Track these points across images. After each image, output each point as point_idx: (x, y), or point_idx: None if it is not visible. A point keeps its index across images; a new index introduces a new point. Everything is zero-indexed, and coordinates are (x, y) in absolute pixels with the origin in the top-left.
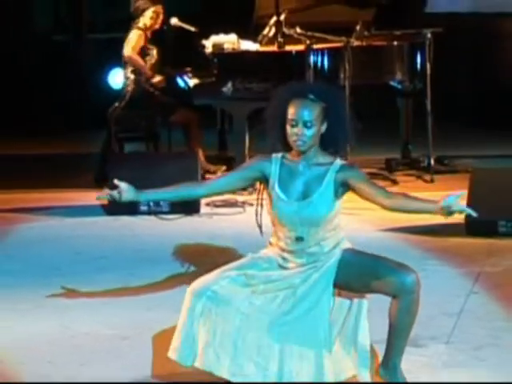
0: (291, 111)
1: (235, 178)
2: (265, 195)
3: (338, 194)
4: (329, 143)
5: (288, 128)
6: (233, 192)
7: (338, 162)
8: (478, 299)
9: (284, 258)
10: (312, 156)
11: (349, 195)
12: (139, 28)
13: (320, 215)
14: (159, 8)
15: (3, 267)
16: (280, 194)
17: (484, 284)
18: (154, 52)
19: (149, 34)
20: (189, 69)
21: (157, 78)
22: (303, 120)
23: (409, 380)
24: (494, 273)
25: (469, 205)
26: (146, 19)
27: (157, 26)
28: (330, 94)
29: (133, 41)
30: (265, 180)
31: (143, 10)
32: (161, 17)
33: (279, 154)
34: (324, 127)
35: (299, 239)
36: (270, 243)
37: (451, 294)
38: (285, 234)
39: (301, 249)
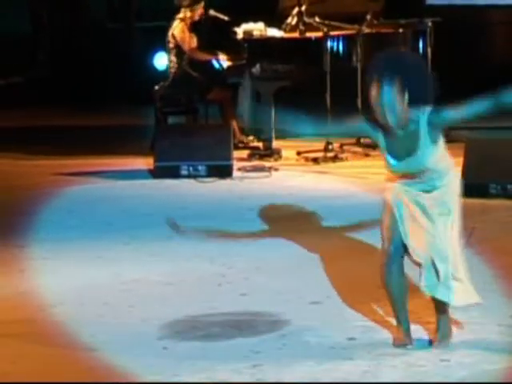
0: (372, 95)
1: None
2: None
3: (435, 139)
4: (415, 101)
5: (375, 109)
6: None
7: (425, 111)
8: (472, 251)
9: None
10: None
11: (351, 162)
12: (181, 19)
13: (427, 164)
14: (201, 3)
15: (66, 223)
16: (390, 161)
17: (477, 238)
18: (195, 40)
19: (189, 22)
20: (223, 56)
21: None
22: (385, 104)
23: (414, 320)
24: (485, 228)
25: (463, 170)
26: (187, 10)
27: (197, 18)
28: (404, 63)
29: (183, 38)
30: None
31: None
32: (200, 11)
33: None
34: (406, 96)
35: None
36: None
37: None
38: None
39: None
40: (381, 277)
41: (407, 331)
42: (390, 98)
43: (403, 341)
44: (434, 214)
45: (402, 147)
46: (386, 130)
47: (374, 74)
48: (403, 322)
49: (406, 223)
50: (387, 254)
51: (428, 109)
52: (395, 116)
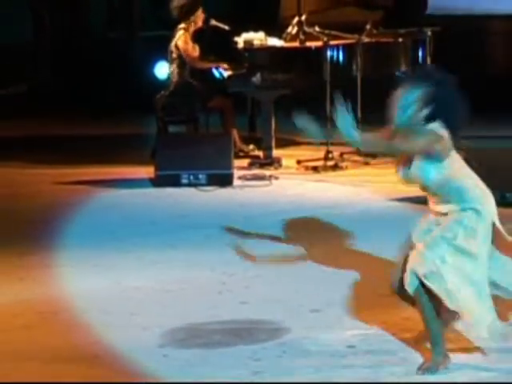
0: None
1: None
2: None
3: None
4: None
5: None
6: None
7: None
8: None
9: None
10: None
11: (350, 171)
12: (184, 29)
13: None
14: (199, 9)
15: (67, 231)
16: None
17: None
18: (197, 50)
19: (192, 31)
20: (226, 65)
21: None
22: (402, 103)
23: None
24: None
25: None
26: (188, 20)
27: (200, 24)
28: (437, 77)
29: (186, 48)
30: None
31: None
32: (202, 16)
33: None
34: (426, 112)
35: None
36: None
37: None
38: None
39: None
40: None
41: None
42: (407, 96)
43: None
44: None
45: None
46: None
47: (412, 78)
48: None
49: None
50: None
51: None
52: (403, 117)
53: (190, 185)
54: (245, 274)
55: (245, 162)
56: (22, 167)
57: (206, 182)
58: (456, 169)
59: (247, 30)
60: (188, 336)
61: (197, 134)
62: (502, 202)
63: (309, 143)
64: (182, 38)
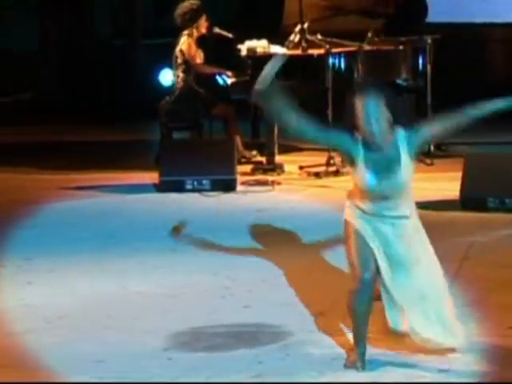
0: (358, 106)
1: (326, 135)
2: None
3: (412, 159)
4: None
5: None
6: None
7: (399, 131)
8: (470, 263)
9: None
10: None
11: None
12: (188, 35)
13: (407, 185)
14: (203, 17)
15: (71, 236)
16: (369, 178)
17: (475, 251)
18: (201, 55)
19: (196, 37)
20: (229, 73)
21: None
22: (372, 113)
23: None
24: (483, 241)
25: (462, 184)
26: (192, 27)
27: (203, 31)
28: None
29: (190, 53)
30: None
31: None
32: (205, 24)
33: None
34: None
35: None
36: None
37: (448, 259)
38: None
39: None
40: (349, 302)
41: (362, 355)
42: (377, 108)
43: (356, 363)
44: (412, 243)
45: (383, 164)
46: (368, 141)
47: (363, 86)
48: (360, 346)
49: (384, 256)
50: (362, 282)
51: (400, 129)
52: (379, 126)
53: (193, 190)
54: (248, 278)
55: (248, 167)
56: (26, 173)
57: (209, 188)
58: None
59: (250, 38)
60: (191, 339)
61: (200, 140)
62: (501, 208)
63: (311, 149)
64: (186, 43)
